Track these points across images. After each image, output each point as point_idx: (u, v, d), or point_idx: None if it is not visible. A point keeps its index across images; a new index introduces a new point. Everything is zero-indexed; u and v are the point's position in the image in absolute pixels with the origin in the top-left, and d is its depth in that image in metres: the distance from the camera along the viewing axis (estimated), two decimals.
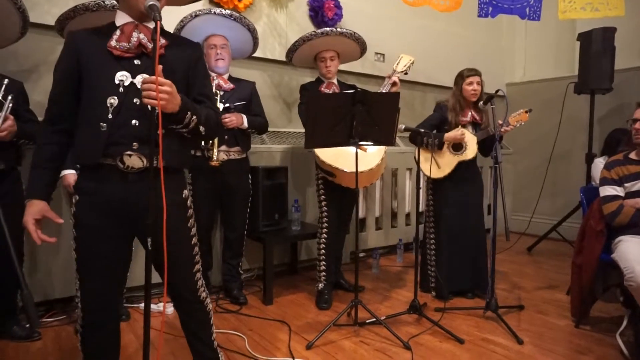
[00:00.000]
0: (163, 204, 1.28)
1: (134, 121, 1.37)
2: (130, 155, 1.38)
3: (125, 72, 1.39)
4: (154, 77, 1.26)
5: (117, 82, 1.38)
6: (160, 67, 1.27)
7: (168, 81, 1.30)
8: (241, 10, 3.20)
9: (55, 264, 2.56)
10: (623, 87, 4.19)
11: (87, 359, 1.49)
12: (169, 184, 1.34)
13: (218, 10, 2.64)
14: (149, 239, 1.30)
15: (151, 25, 1.42)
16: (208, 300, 1.62)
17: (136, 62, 1.40)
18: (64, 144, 1.44)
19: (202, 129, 1.46)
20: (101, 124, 1.36)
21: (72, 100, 1.41)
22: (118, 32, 1.40)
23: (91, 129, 1.37)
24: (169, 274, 1.33)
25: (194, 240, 1.55)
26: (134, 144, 1.38)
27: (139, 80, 1.38)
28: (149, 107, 1.31)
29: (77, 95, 1.41)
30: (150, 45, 1.39)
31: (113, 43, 1.39)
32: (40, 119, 2.22)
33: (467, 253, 2.90)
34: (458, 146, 2.88)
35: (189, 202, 1.54)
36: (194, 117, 1.42)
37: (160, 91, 1.26)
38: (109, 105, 1.36)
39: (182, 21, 2.64)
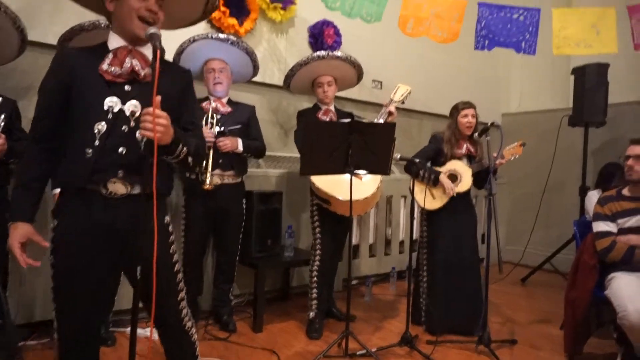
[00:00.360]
0: (154, 230, 1.27)
1: (120, 149, 1.35)
2: (114, 182, 1.36)
3: (115, 98, 1.36)
4: (151, 109, 1.24)
5: (106, 107, 1.35)
6: (158, 98, 1.25)
7: (164, 113, 1.29)
8: (241, 35, 3.23)
9: (38, 285, 2.50)
10: (617, 121, 4.24)
11: None
12: (151, 210, 1.32)
13: (215, 34, 2.67)
14: (138, 268, 1.28)
15: (145, 50, 1.42)
16: (194, 330, 1.58)
17: (127, 87, 1.39)
18: (49, 163, 1.39)
19: (190, 159, 1.45)
20: (87, 149, 1.33)
21: (59, 119, 1.37)
22: (111, 55, 1.38)
23: (76, 153, 1.34)
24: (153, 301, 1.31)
25: (177, 267, 1.51)
26: (120, 171, 1.36)
27: (129, 107, 1.37)
28: (143, 137, 1.30)
29: (64, 114, 1.37)
30: (142, 72, 1.39)
31: (105, 67, 1.36)
32: None
33: (460, 287, 2.85)
34: (453, 178, 2.89)
35: (170, 228, 1.52)
36: (185, 148, 1.40)
37: (157, 124, 1.25)
38: (96, 131, 1.34)
39: (181, 45, 2.66)
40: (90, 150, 1.33)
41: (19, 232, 1.34)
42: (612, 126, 4.19)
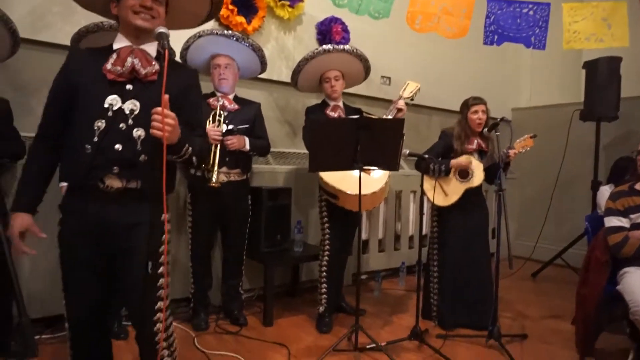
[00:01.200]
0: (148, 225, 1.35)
1: (117, 145, 1.38)
2: (110, 177, 1.40)
3: (115, 96, 1.40)
4: (160, 109, 1.27)
5: (106, 105, 1.39)
6: (166, 96, 1.28)
7: (172, 113, 1.31)
8: (250, 33, 3.25)
9: (55, 279, 2.54)
10: (629, 115, 4.19)
11: None
12: (149, 206, 1.39)
13: (220, 30, 2.68)
14: (150, 262, 1.31)
15: (148, 48, 1.45)
16: (166, 344, 1.49)
17: (128, 86, 1.42)
18: (53, 159, 1.47)
19: (194, 159, 1.48)
20: (86, 146, 1.38)
21: (64, 117, 1.43)
22: (114, 55, 1.42)
23: (76, 149, 1.39)
24: (129, 297, 1.37)
25: (162, 269, 1.46)
26: (115, 167, 1.39)
27: (128, 106, 1.40)
28: (139, 136, 1.36)
29: (69, 112, 1.42)
30: (143, 72, 1.42)
31: (108, 66, 1.40)
32: (24, 134, 2.28)
33: (471, 283, 2.85)
34: (465, 173, 2.87)
35: (164, 227, 1.49)
36: (190, 148, 1.43)
37: (166, 123, 1.28)
38: (95, 128, 1.38)
39: (187, 41, 2.69)
40: (89, 147, 1.38)
41: (18, 221, 1.41)
42: (624, 120, 4.13)
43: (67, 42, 2.42)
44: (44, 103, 1.49)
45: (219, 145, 2.59)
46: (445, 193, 2.87)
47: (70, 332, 1.48)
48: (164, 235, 1.49)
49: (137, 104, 1.41)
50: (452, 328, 2.80)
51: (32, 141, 1.50)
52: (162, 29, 1.32)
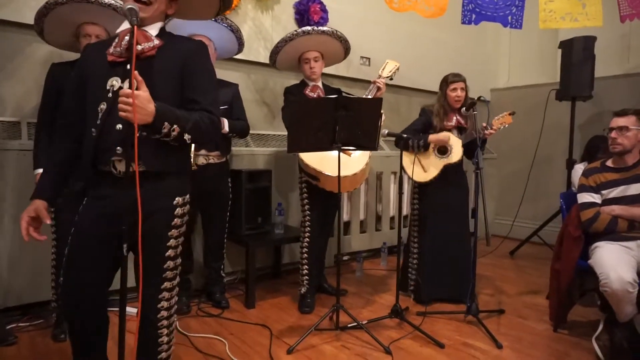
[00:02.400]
0: (139, 208, 1.28)
1: (118, 126, 1.37)
2: (120, 160, 1.40)
3: (117, 77, 1.41)
4: (127, 90, 1.26)
5: (107, 87, 1.40)
6: (136, 73, 1.26)
7: (142, 92, 1.27)
8: (226, 13, 3.18)
9: (31, 267, 2.50)
10: (602, 94, 4.28)
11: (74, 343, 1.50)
12: (155, 188, 1.40)
13: None
14: (125, 245, 1.29)
15: (148, 29, 1.45)
16: (167, 331, 1.51)
17: (128, 66, 1.36)
18: (71, 150, 1.50)
19: (187, 137, 1.40)
20: (92, 129, 1.41)
21: (78, 109, 1.47)
22: (117, 39, 1.44)
23: (87, 135, 1.42)
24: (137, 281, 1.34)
25: (170, 252, 1.47)
26: (117, 148, 1.38)
27: (126, 85, 1.36)
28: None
29: (83, 103, 1.46)
30: (139, 48, 1.39)
31: (111, 50, 1.43)
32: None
33: (450, 260, 2.91)
34: (443, 150, 2.90)
35: (177, 211, 1.48)
36: (175, 126, 1.35)
37: (125, 102, 1.25)
38: (99, 110, 1.40)
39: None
40: (94, 130, 1.40)
41: (31, 207, 1.43)
42: (598, 100, 4.23)
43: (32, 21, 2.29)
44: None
45: None
46: (424, 169, 2.90)
47: (64, 306, 1.50)
48: (175, 220, 1.48)
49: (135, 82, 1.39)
50: (429, 302, 2.87)
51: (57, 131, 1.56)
52: (129, 5, 1.28)
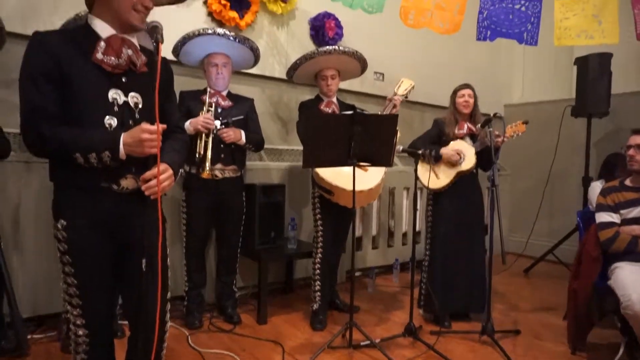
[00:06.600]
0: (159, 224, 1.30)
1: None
2: (126, 177, 1.37)
3: (117, 90, 1.34)
4: (153, 173, 1.28)
5: (110, 100, 1.33)
6: (162, 126, 1.30)
7: (167, 167, 1.34)
8: (242, 28, 3.22)
9: (43, 278, 2.51)
10: (619, 111, 4.22)
11: None
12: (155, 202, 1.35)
13: (221, 31, 2.61)
14: (144, 260, 1.29)
15: (134, 39, 1.39)
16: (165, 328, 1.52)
17: (123, 79, 1.36)
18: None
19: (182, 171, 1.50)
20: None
21: (60, 102, 1.28)
22: (103, 44, 1.30)
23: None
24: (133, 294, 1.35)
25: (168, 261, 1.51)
26: (133, 168, 1.35)
27: (131, 100, 1.37)
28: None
29: (61, 103, 1.28)
30: (138, 63, 1.37)
31: (100, 56, 1.29)
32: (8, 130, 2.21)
33: (461, 273, 2.88)
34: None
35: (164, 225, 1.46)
36: (179, 169, 1.48)
37: (151, 187, 1.30)
38: (107, 125, 1.32)
39: (184, 37, 2.64)
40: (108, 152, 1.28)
41: (128, 136, 1.27)
42: (615, 116, 4.17)
43: None
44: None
45: (210, 136, 2.56)
46: (437, 176, 2.91)
47: (88, 340, 1.41)
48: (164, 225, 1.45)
49: (139, 97, 1.38)
50: (440, 314, 2.83)
51: (39, 128, 1.26)
52: (156, 23, 1.28)
